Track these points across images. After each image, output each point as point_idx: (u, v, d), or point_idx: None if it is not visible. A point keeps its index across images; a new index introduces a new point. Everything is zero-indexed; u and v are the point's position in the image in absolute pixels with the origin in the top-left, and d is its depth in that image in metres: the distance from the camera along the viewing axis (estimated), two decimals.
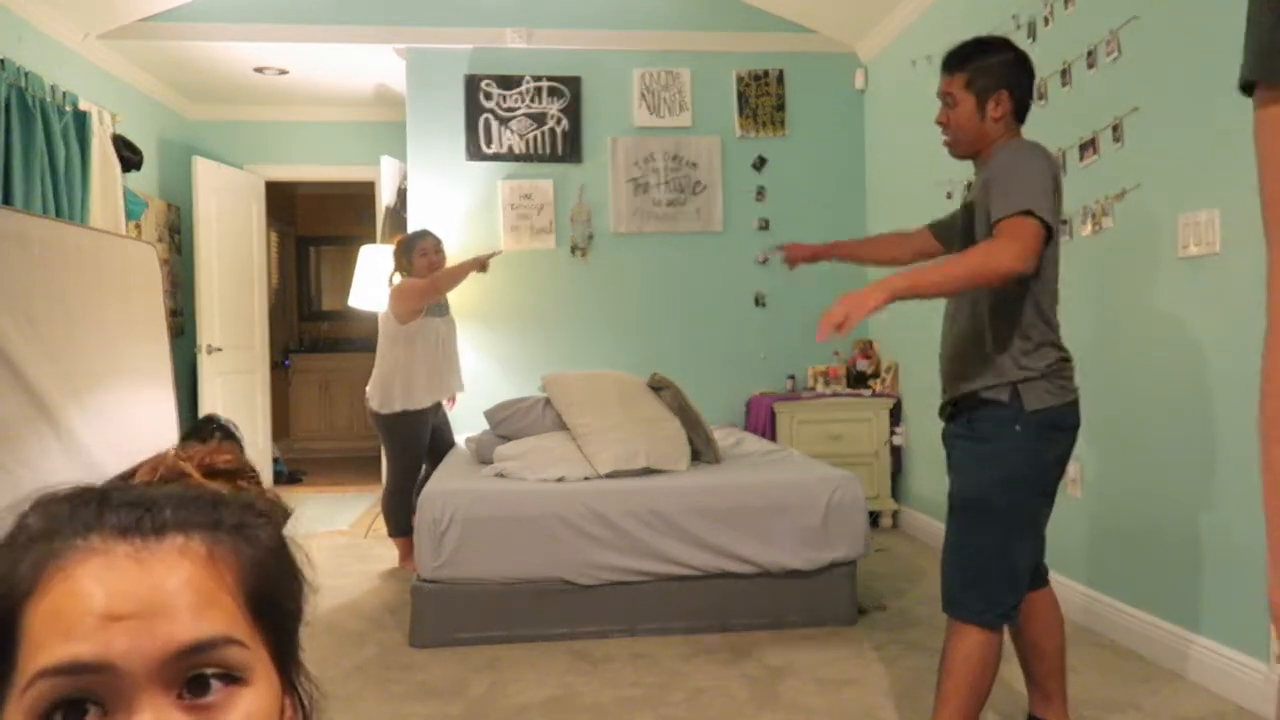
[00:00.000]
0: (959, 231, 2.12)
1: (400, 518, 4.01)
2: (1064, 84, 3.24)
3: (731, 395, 5.11)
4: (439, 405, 4.11)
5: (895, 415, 4.76)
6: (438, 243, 4.03)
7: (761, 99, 5.12)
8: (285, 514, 0.65)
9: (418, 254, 4.00)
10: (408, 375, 3.87)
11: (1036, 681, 2.16)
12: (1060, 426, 1.89)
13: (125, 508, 0.54)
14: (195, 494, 0.58)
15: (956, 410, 1.99)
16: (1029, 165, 1.84)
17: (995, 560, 1.87)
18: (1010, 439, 1.85)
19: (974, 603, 1.88)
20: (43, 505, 0.55)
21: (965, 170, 3.96)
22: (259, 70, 5.38)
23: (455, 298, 4.29)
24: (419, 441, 4.01)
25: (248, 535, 0.57)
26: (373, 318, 4.38)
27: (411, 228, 4.91)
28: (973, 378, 1.92)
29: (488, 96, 4.96)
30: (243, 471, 0.66)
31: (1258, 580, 2.42)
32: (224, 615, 0.53)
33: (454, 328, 4.15)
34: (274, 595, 0.58)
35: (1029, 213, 1.77)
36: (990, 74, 1.97)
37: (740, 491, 3.14)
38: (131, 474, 0.63)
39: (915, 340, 4.45)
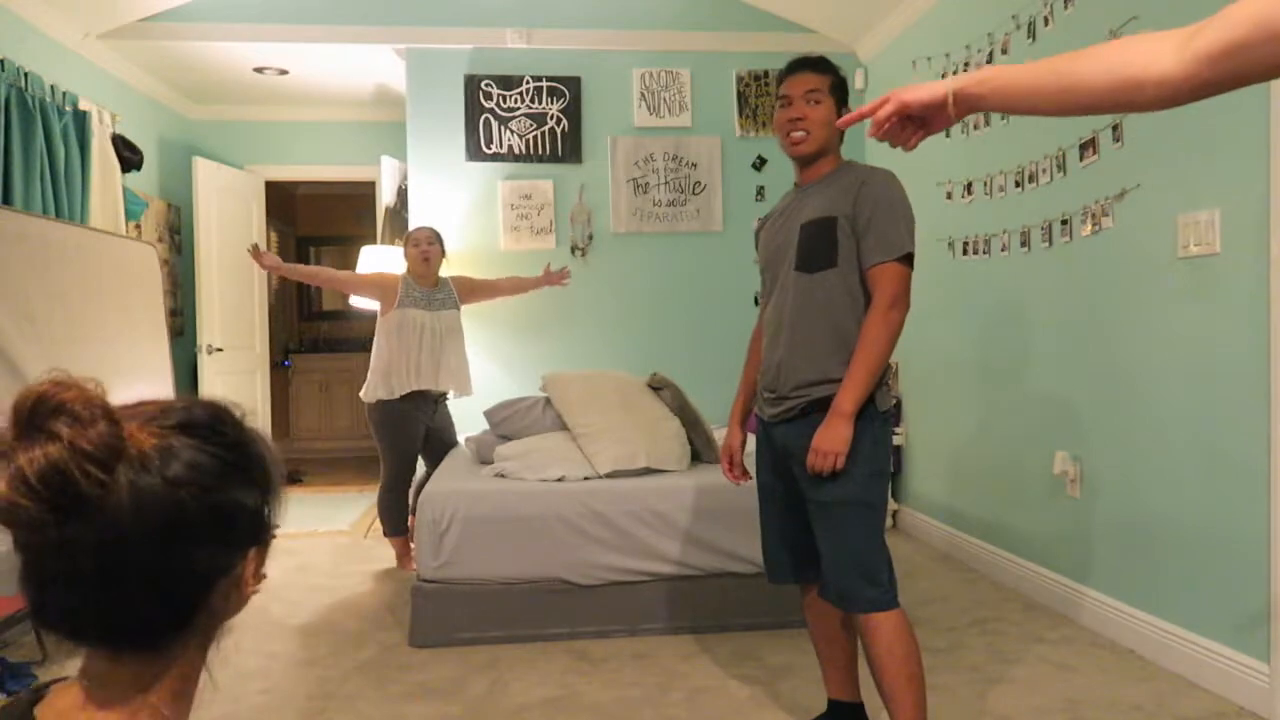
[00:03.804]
0: (797, 255, 2.17)
1: (395, 518, 4.00)
2: None
3: (731, 395, 5.06)
4: (437, 405, 4.10)
5: (895, 415, 4.76)
6: (426, 234, 4.07)
7: (761, 99, 5.12)
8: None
9: (409, 244, 4.06)
10: (388, 364, 3.90)
11: (845, 666, 2.32)
12: (887, 422, 2.12)
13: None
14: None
15: (804, 413, 2.10)
16: (906, 207, 2.09)
17: (879, 548, 2.06)
18: (870, 436, 2.04)
19: (874, 593, 2.03)
20: None
21: (965, 171, 3.98)
22: (259, 70, 5.38)
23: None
24: (406, 437, 3.97)
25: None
26: (372, 318, 4.39)
27: (412, 228, 4.92)
28: (833, 382, 2.05)
29: (488, 96, 4.96)
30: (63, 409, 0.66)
31: (1258, 580, 2.42)
32: None
33: (453, 324, 4.07)
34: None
35: (905, 258, 2.03)
36: (845, 90, 2.21)
37: (740, 491, 3.14)
38: None
39: (915, 340, 4.45)
